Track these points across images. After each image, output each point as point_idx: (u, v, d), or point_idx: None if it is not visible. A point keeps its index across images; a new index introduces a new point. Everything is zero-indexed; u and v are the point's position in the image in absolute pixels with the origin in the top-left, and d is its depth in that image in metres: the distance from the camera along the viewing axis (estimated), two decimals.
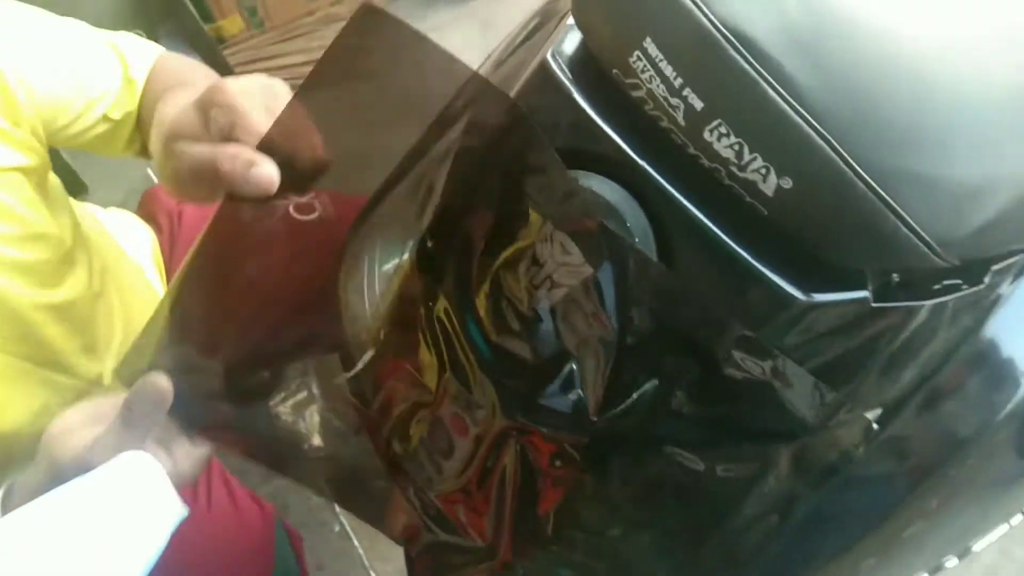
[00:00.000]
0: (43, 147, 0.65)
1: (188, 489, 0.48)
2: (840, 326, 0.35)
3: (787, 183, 0.30)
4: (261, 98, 0.45)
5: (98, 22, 0.72)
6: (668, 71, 0.32)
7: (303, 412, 0.53)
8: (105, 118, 0.69)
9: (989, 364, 0.40)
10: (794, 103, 0.29)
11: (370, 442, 0.52)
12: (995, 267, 0.35)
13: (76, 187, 1.51)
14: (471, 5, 1.88)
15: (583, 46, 0.38)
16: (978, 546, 0.49)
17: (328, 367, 0.53)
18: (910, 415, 0.39)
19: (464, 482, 0.47)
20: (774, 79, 0.29)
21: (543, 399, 0.40)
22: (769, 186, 0.31)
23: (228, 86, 0.45)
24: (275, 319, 0.52)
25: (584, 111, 0.36)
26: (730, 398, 0.36)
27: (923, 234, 0.30)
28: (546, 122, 0.36)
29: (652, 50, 0.32)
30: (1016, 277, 0.38)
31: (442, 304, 0.43)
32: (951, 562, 0.49)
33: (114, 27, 0.73)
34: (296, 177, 0.44)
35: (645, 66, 0.33)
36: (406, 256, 0.48)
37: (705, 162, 0.32)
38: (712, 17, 0.30)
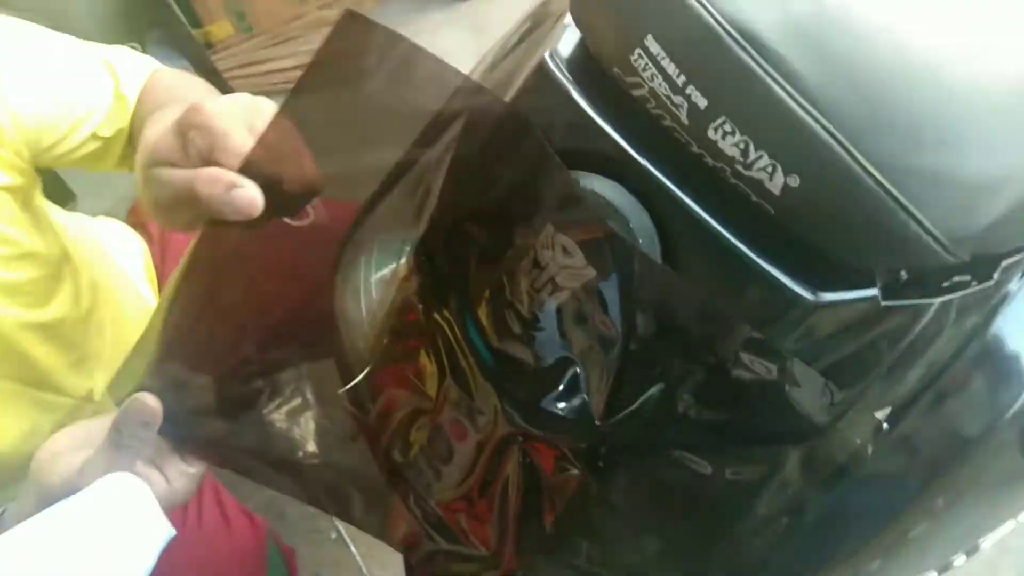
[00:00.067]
0: (28, 166, 0.63)
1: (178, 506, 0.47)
2: (848, 325, 0.34)
3: (794, 181, 0.30)
4: (243, 117, 0.42)
5: (86, 29, 0.71)
6: (670, 69, 0.31)
7: (297, 419, 0.53)
8: (95, 136, 0.67)
9: (997, 362, 0.40)
10: (801, 100, 0.29)
11: (368, 449, 0.52)
12: (1005, 263, 0.35)
13: (64, 196, 1.50)
14: (463, 8, 1.88)
15: (581, 46, 0.38)
16: (987, 543, 0.48)
17: (323, 373, 0.53)
18: (920, 414, 0.38)
19: (466, 490, 0.47)
20: (780, 75, 0.29)
21: (546, 404, 0.40)
22: (776, 184, 0.30)
23: (206, 106, 0.42)
24: (269, 327, 0.51)
25: (584, 111, 0.36)
26: (738, 400, 0.36)
27: (934, 231, 0.29)
28: (545, 123, 0.36)
29: (654, 47, 0.32)
30: None
31: (442, 310, 0.42)
32: (959, 560, 0.48)
33: (102, 34, 0.72)
34: (285, 199, 0.42)
35: (647, 64, 0.32)
36: (403, 261, 0.48)
37: (709, 161, 0.32)
38: (715, 13, 0.30)
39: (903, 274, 0.35)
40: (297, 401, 0.52)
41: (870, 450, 0.38)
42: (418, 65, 0.38)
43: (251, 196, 0.40)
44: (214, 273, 0.47)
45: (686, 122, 0.32)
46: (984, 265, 0.35)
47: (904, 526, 0.42)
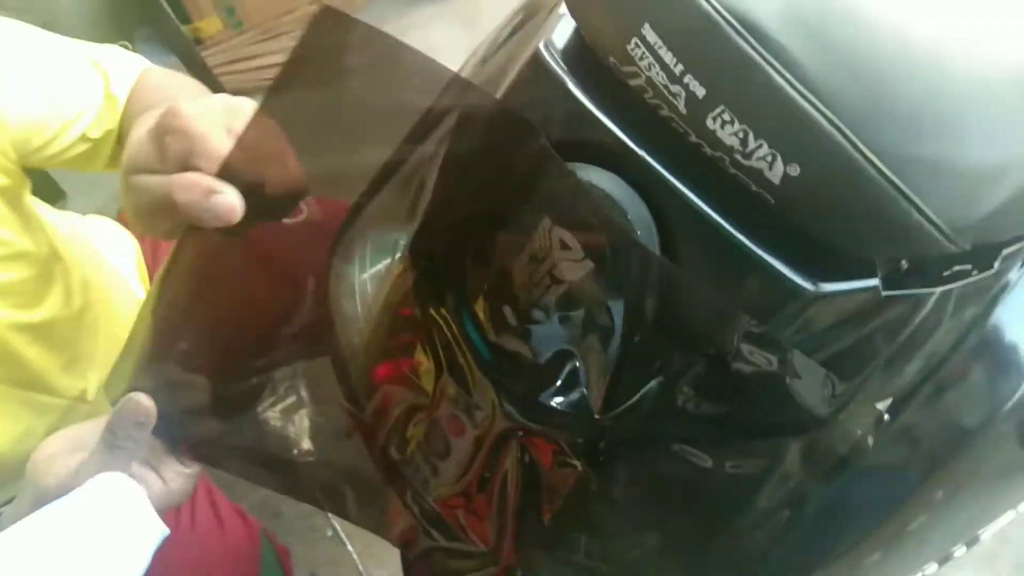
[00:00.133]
0: (16, 167, 0.63)
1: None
2: (849, 316, 0.34)
3: (794, 170, 0.30)
4: (222, 119, 0.40)
5: (74, 27, 0.71)
6: (668, 58, 0.31)
7: (292, 416, 0.52)
8: (84, 138, 0.67)
9: (996, 352, 0.39)
10: (801, 88, 0.28)
11: (364, 446, 0.51)
12: (1005, 251, 0.35)
13: (54, 194, 1.49)
14: (454, 2, 1.87)
15: (576, 36, 0.37)
16: (986, 534, 0.48)
17: (317, 371, 0.52)
18: (919, 405, 0.38)
19: (464, 486, 0.46)
20: (779, 63, 0.28)
21: (545, 399, 0.39)
22: (776, 173, 0.30)
23: (183, 109, 0.40)
24: (262, 325, 0.51)
25: (580, 101, 0.35)
26: (739, 392, 0.36)
27: (936, 219, 0.29)
28: (540, 115, 0.35)
29: (651, 36, 0.31)
30: None
31: (438, 305, 0.42)
32: (960, 551, 0.48)
33: (91, 31, 0.71)
34: (269, 203, 0.40)
35: (644, 53, 0.32)
36: (398, 256, 0.47)
37: (708, 151, 0.31)
38: (714, 1, 0.29)
39: (904, 264, 0.34)
40: (292, 399, 0.52)
41: (871, 441, 0.38)
42: (401, 61, 0.37)
43: (230, 202, 0.38)
44: (201, 273, 0.46)
45: (684, 112, 0.31)
46: (985, 254, 0.35)
47: (905, 518, 0.42)
